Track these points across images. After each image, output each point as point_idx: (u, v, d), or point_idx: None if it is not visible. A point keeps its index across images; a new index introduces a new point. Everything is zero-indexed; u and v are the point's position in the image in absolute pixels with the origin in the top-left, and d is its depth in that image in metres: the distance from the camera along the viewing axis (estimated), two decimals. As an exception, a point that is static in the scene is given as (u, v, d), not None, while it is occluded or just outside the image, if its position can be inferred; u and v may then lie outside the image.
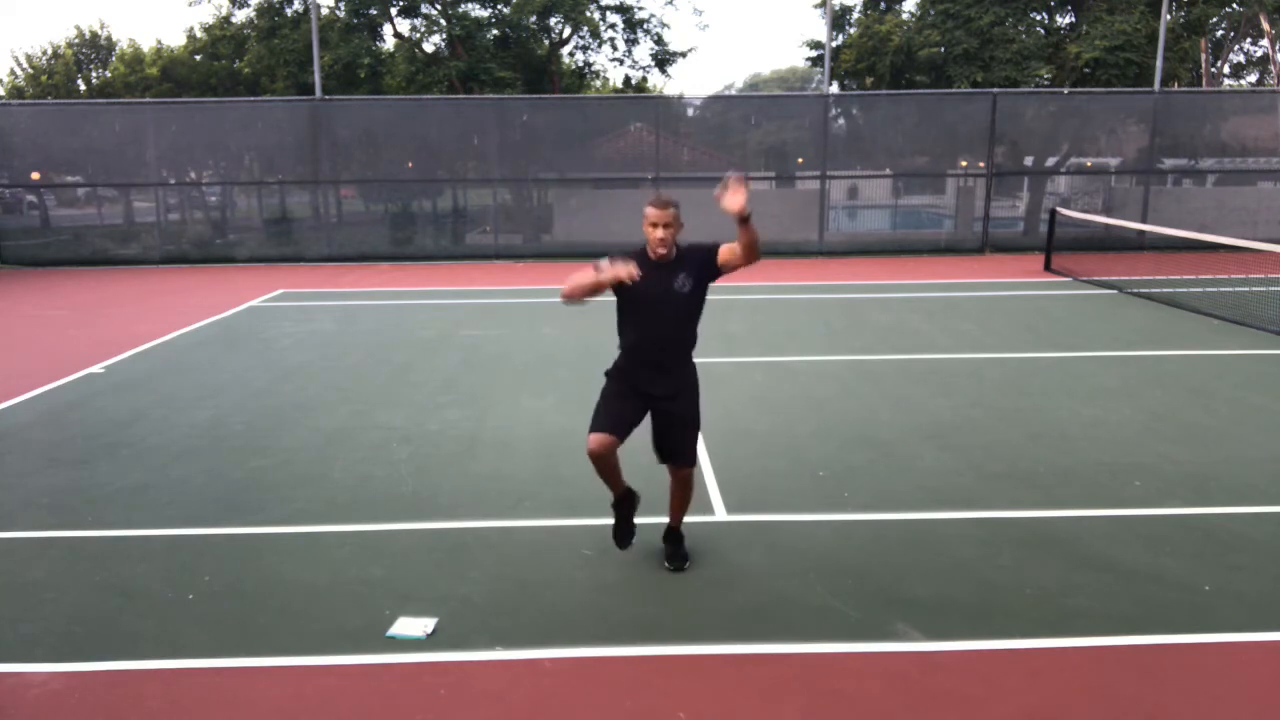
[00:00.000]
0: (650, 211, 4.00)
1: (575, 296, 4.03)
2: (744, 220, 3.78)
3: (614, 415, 4.08)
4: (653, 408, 4.19)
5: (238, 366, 8.82)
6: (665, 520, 4.51)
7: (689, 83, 66.69)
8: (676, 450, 4.25)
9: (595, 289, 3.98)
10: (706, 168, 19.28)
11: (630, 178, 18.60)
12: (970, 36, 19.34)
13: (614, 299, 4.17)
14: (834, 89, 21.09)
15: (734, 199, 3.72)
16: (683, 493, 4.38)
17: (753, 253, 3.93)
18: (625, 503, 4.36)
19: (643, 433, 4.21)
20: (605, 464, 4.09)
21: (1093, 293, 12.90)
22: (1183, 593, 4.12)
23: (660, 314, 4.07)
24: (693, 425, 4.27)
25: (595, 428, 4.05)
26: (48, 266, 17.72)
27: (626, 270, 3.86)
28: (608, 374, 4.28)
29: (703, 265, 4.07)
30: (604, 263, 4.04)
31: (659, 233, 3.99)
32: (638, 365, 4.17)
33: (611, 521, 4.46)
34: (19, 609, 4.09)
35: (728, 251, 4.01)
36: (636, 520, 4.44)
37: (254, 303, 12.85)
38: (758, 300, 12.33)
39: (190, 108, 19.03)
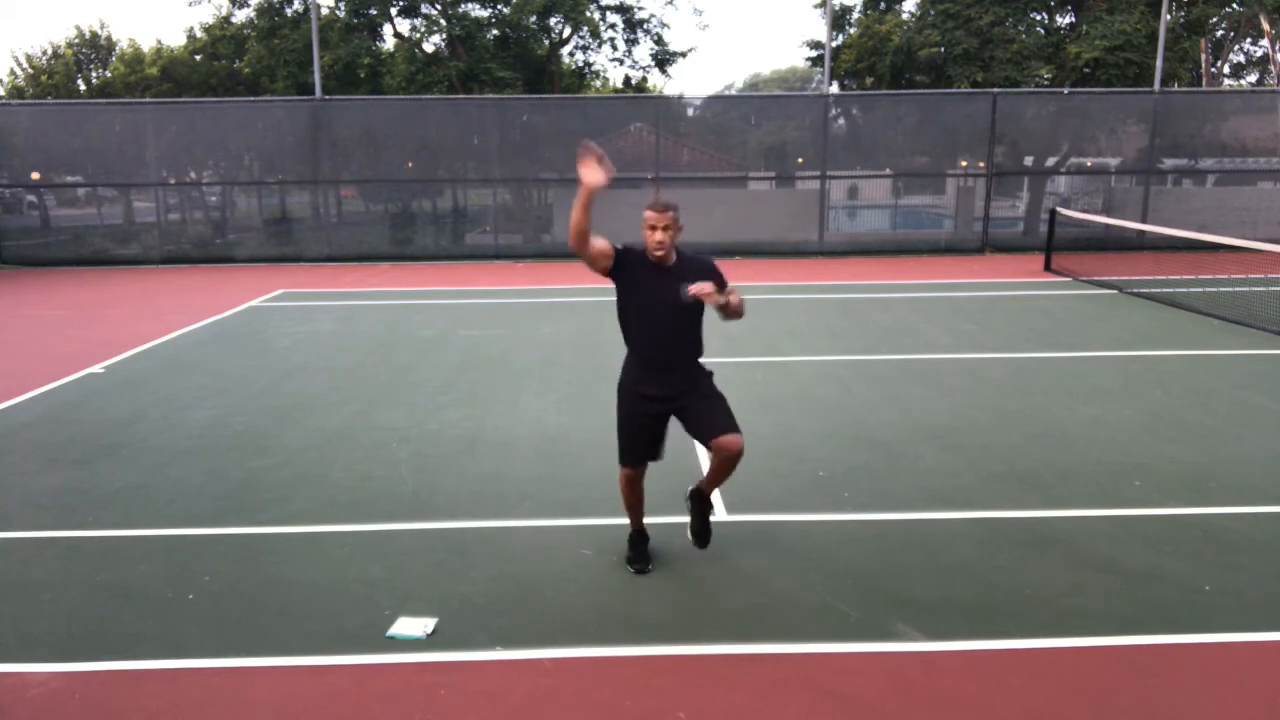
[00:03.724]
0: (649, 215, 3.98)
1: (577, 233, 3.90)
2: (726, 305, 3.96)
3: (637, 447, 4.23)
4: (672, 410, 4.15)
5: (238, 367, 8.82)
6: (672, 520, 4.51)
7: (689, 83, 66.96)
8: (716, 424, 4.04)
9: (584, 213, 3.87)
10: (706, 168, 19.29)
11: (630, 178, 18.58)
12: (970, 36, 19.34)
13: (616, 301, 4.17)
14: (834, 89, 21.09)
15: (707, 298, 3.90)
16: (727, 468, 4.11)
17: (735, 319, 4.14)
18: (640, 539, 4.44)
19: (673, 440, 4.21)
20: (634, 488, 4.31)
21: (1093, 293, 12.90)
22: (1183, 593, 4.12)
23: (664, 316, 4.05)
24: (718, 398, 4.16)
25: (624, 463, 4.26)
26: (48, 266, 17.72)
27: (597, 162, 3.82)
28: (619, 388, 4.25)
29: (705, 279, 4.01)
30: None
31: (658, 235, 3.96)
32: (645, 369, 4.14)
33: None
34: (19, 609, 4.09)
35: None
36: (646, 520, 4.48)
37: (254, 303, 12.85)
38: (758, 300, 12.32)
39: (190, 108, 19.03)
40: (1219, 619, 3.90)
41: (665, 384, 4.12)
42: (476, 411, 7.16)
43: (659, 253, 3.98)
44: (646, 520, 4.50)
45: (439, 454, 6.14)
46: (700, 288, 3.88)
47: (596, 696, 3.41)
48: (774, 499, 5.30)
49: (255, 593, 4.22)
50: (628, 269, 4.04)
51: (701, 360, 4.24)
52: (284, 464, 5.98)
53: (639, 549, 4.43)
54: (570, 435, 6.48)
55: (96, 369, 8.72)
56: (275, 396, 7.71)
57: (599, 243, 3.98)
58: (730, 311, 4.03)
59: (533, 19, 21.37)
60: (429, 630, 3.83)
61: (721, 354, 8.83)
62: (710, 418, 4.07)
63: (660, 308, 4.03)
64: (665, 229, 3.96)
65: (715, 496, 5.21)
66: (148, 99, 22.30)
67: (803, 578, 4.29)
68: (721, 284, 4.00)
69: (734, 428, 4.04)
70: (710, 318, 4.27)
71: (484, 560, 4.51)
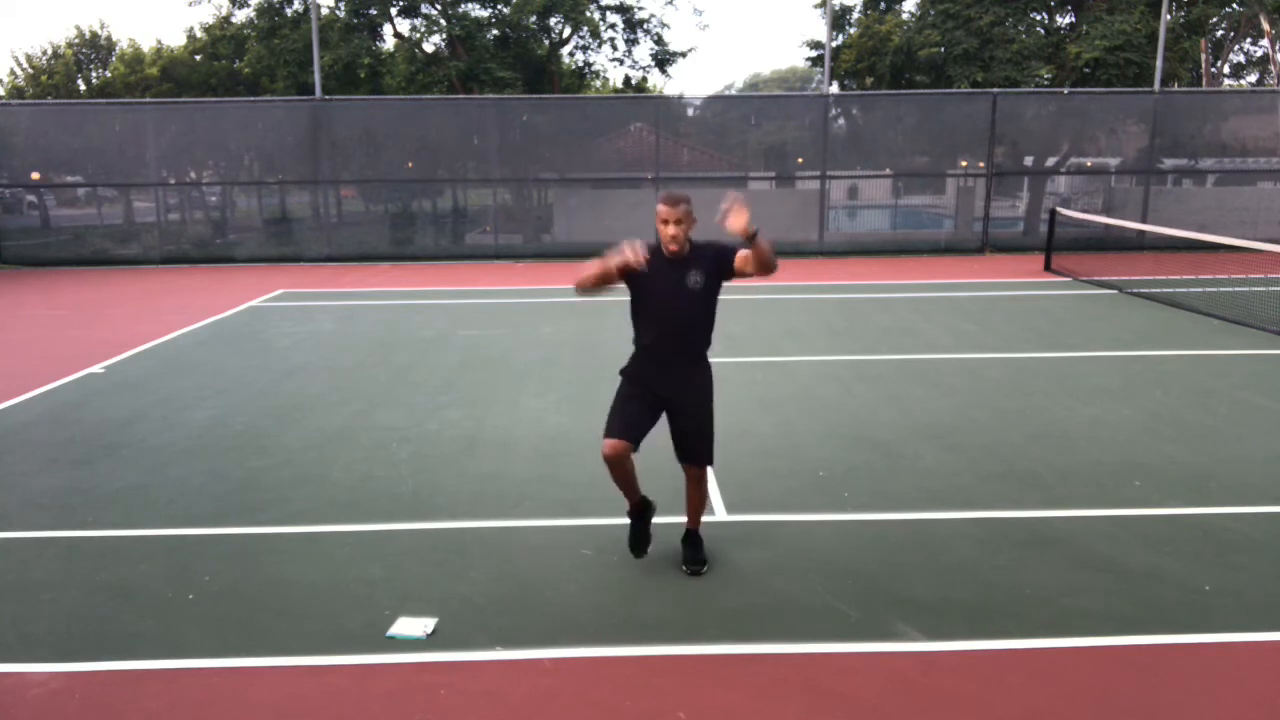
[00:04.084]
0: (662, 208, 4.00)
1: (587, 286, 4.03)
2: (751, 238, 3.82)
3: (627, 420, 4.11)
4: (667, 408, 4.20)
5: (238, 367, 8.82)
6: (678, 520, 4.52)
7: (689, 83, 66.95)
8: (691, 452, 4.26)
9: (605, 277, 3.99)
10: (706, 168, 19.30)
11: (630, 178, 18.61)
12: (970, 36, 19.34)
13: (628, 297, 4.18)
14: (834, 89, 21.10)
15: (737, 220, 3.76)
16: (696, 493, 4.37)
17: (766, 268, 3.95)
18: (640, 512, 4.41)
19: (658, 433, 4.22)
20: (620, 469, 4.12)
21: (1093, 293, 12.90)
22: (1183, 593, 4.12)
23: (673, 311, 4.08)
24: (705, 428, 4.24)
25: (609, 433, 4.09)
26: (48, 266, 17.72)
27: (634, 253, 3.85)
28: (622, 373, 4.29)
29: (717, 261, 4.06)
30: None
31: (671, 229, 3.98)
32: (650, 362, 4.19)
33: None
34: (19, 609, 4.09)
35: (743, 259, 4.00)
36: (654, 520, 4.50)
37: (254, 303, 12.85)
38: (758, 300, 12.32)
39: (190, 108, 19.03)
40: (1219, 619, 3.90)
41: (670, 378, 4.16)
42: (476, 411, 7.16)
43: (673, 246, 4.00)
44: (656, 520, 4.50)
45: (439, 454, 6.14)
46: (733, 203, 3.76)
47: (596, 696, 3.41)
48: (774, 499, 5.30)
49: (255, 593, 4.22)
50: (639, 269, 4.04)
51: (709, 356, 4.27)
52: (284, 464, 5.98)
53: (638, 531, 4.40)
54: (570, 435, 6.48)
55: (96, 369, 8.72)
56: (275, 396, 7.71)
57: (604, 274, 4.00)
58: (759, 253, 3.88)
59: (533, 19, 21.37)
60: (429, 630, 3.83)
61: (721, 354, 8.81)
62: (692, 443, 4.25)
63: (671, 300, 4.05)
64: (678, 222, 3.98)
65: (715, 496, 5.24)
66: (148, 99, 22.31)
67: (803, 578, 4.29)
68: (730, 258, 4.02)
69: (707, 460, 4.30)
70: (718, 317, 4.27)
71: (484, 560, 4.51)
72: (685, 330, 4.15)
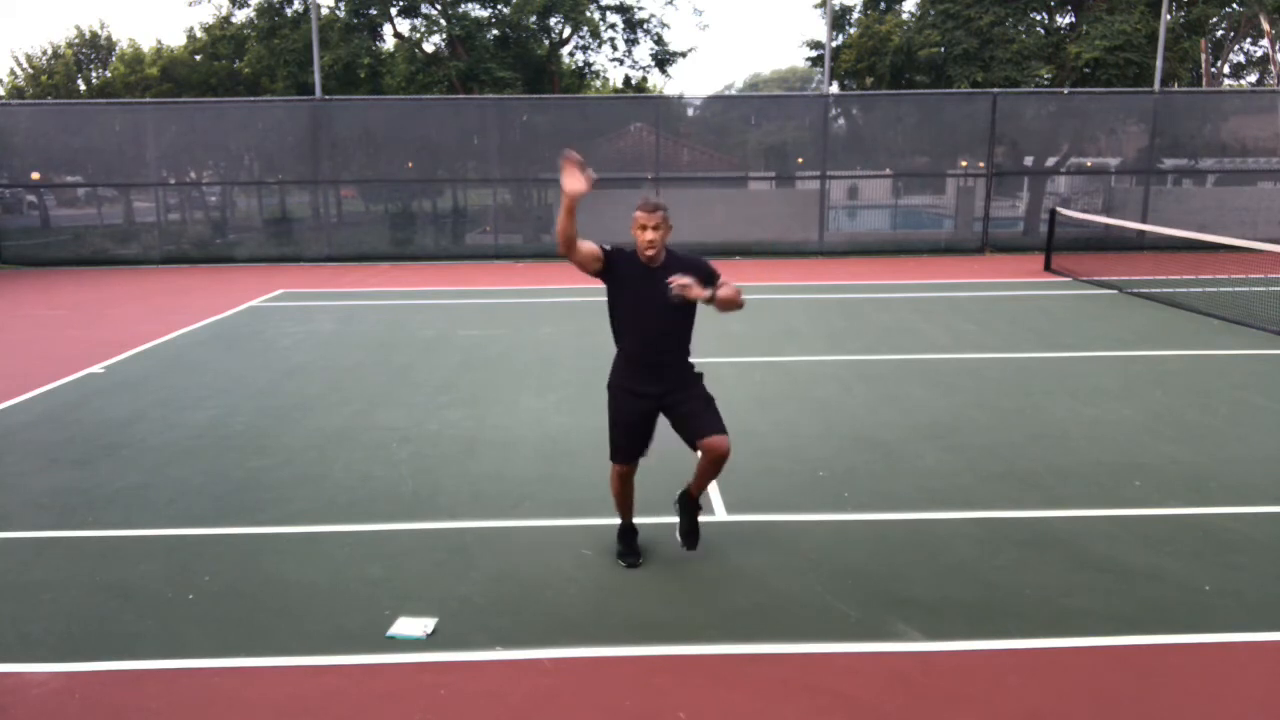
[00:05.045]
0: (638, 215, 4.01)
1: (564, 239, 3.91)
2: (711, 299, 3.93)
3: (629, 443, 4.26)
4: (661, 405, 4.19)
5: (238, 367, 8.82)
6: (667, 520, 4.52)
7: (689, 83, 66.90)
8: (704, 424, 4.08)
9: (570, 220, 3.87)
10: (706, 168, 19.30)
11: (630, 178, 18.60)
12: (970, 36, 19.34)
13: (607, 301, 4.19)
14: (834, 89, 21.10)
15: (694, 295, 3.87)
16: (714, 470, 4.16)
17: (734, 311, 4.10)
18: (630, 533, 4.51)
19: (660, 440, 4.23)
20: (626, 484, 4.35)
21: (1093, 293, 12.90)
22: (1183, 593, 4.12)
23: (652, 316, 4.07)
24: (707, 400, 4.19)
25: (616, 459, 4.29)
26: (48, 266, 17.72)
27: (574, 179, 3.75)
28: (609, 387, 4.29)
29: (696, 277, 4.00)
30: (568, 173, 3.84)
31: (647, 235, 4.00)
32: (634, 367, 4.19)
33: (612, 522, 4.55)
34: (19, 609, 4.09)
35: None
36: (641, 520, 4.54)
37: (254, 303, 12.85)
38: (758, 300, 12.32)
39: (190, 108, 19.03)
40: (1219, 619, 3.90)
41: (654, 381, 4.16)
42: (476, 411, 7.16)
43: (649, 252, 4.01)
44: (646, 520, 4.52)
45: (439, 454, 6.14)
46: (679, 280, 3.84)
47: (596, 696, 3.41)
48: (774, 499, 5.30)
49: (255, 593, 4.22)
50: (618, 269, 4.07)
51: (691, 360, 4.26)
52: (284, 464, 5.98)
53: (629, 543, 4.49)
54: (570, 435, 6.49)
55: (96, 369, 8.72)
56: (275, 396, 7.71)
57: (587, 246, 4.00)
58: (723, 304, 3.98)
59: (533, 19, 21.37)
60: (429, 630, 3.83)
61: (721, 354, 8.84)
62: (699, 418, 4.12)
63: (649, 306, 4.04)
64: (655, 229, 4.00)
65: (714, 496, 5.23)
66: (148, 99, 22.31)
67: (803, 578, 4.29)
68: (711, 279, 4.00)
69: (721, 429, 4.10)
70: (709, 315, 4.27)
71: (484, 560, 4.51)
72: (663, 336, 4.14)
